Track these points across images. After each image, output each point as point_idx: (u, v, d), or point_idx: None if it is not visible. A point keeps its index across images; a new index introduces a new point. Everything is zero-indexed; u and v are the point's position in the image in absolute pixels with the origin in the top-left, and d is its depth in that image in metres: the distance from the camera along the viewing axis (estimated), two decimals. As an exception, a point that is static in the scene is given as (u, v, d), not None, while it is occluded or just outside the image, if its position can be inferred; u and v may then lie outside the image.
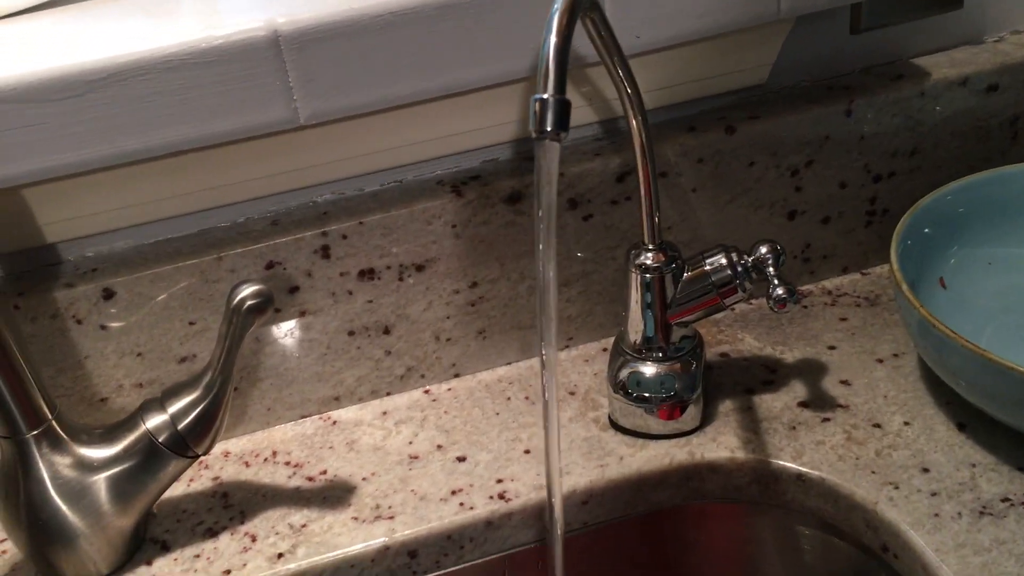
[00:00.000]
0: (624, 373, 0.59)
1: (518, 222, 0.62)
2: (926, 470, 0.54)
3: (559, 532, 0.46)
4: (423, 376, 0.66)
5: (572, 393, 0.64)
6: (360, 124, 0.58)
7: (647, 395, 0.58)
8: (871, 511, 0.53)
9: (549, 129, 0.36)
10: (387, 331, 0.63)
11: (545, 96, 0.36)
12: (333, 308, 0.61)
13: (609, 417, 0.61)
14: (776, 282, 0.54)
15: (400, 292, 0.62)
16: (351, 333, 0.63)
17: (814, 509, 0.56)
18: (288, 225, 0.60)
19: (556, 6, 0.37)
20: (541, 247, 0.37)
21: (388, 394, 0.66)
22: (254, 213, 0.61)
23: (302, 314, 0.61)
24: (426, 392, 0.66)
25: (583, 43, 0.53)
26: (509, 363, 0.67)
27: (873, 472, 0.54)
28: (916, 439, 0.56)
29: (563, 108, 0.36)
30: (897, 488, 0.53)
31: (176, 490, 0.60)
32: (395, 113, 0.58)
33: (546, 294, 0.38)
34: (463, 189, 0.60)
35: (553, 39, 0.36)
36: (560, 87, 0.36)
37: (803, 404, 0.60)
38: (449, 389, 0.66)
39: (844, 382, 0.61)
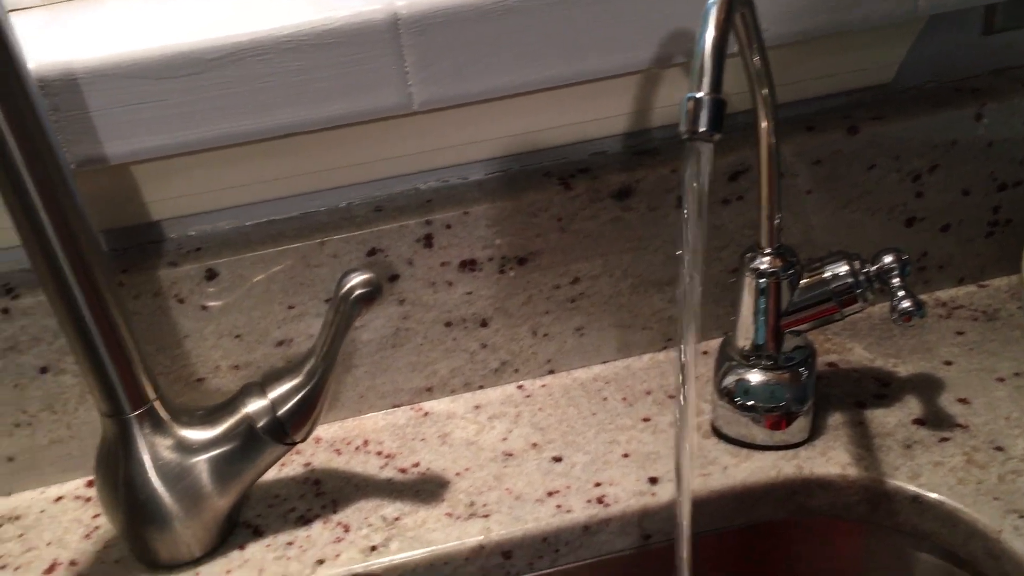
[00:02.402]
0: (730, 380, 0.57)
1: (625, 218, 0.60)
2: (1054, 499, 0.51)
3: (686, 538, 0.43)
4: (517, 371, 0.64)
5: (671, 396, 0.62)
6: (468, 111, 0.56)
7: (754, 404, 0.56)
8: (994, 540, 0.50)
9: (703, 130, 0.34)
10: (484, 324, 0.62)
11: (700, 95, 0.34)
12: (432, 298, 0.60)
13: (712, 424, 0.59)
14: (901, 294, 0.52)
15: (500, 285, 0.61)
16: (448, 324, 0.61)
17: (929, 533, 0.54)
18: (392, 212, 0.58)
19: (712, 0, 0.35)
20: (688, 253, 0.35)
21: (481, 387, 0.65)
22: (356, 198, 0.60)
23: (400, 303, 0.60)
24: (519, 387, 0.65)
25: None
26: (605, 362, 0.65)
27: (996, 498, 0.52)
28: (1042, 466, 0.53)
29: (718, 108, 0.34)
30: (1022, 517, 0.50)
31: (268, 474, 0.60)
32: (504, 102, 0.56)
33: (690, 300, 0.36)
34: (571, 182, 0.59)
35: (710, 34, 0.34)
36: (716, 85, 0.34)
37: (918, 422, 0.57)
38: (543, 385, 0.64)
39: (962, 400, 0.58)
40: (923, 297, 0.66)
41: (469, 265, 0.60)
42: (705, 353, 0.65)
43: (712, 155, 0.35)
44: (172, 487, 0.52)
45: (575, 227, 0.59)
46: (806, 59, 0.59)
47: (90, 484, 0.61)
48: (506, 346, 0.63)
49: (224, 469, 0.53)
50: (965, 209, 0.64)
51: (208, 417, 0.53)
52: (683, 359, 0.38)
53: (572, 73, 0.53)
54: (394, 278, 0.59)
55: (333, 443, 0.62)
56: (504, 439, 0.61)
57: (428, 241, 0.58)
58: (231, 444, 0.53)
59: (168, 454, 0.52)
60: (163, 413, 0.52)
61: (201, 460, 0.52)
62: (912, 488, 0.53)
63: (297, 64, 0.50)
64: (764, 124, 0.48)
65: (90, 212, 0.54)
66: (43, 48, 0.49)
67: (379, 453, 0.61)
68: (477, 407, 0.63)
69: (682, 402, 0.39)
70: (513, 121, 0.58)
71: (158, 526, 0.53)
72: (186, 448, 0.52)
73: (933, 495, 0.53)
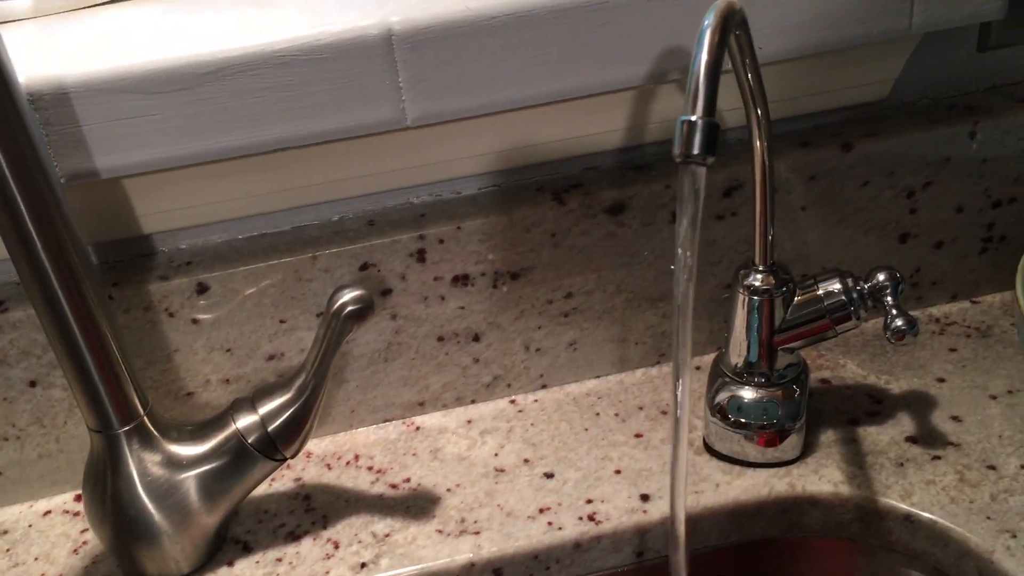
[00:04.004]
0: (723, 396, 0.57)
1: (619, 234, 0.60)
2: (1046, 520, 0.51)
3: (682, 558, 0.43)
4: (509, 386, 0.64)
5: (664, 412, 0.62)
6: (461, 126, 0.56)
7: (746, 421, 0.56)
8: (986, 560, 0.50)
9: (696, 153, 0.34)
10: (477, 338, 0.62)
11: (694, 118, 0.34)
12: (424, 312, 0.60)
13: (704, 440, 0.59)
14: (895, 312, 0.52)
15: (493, 300, 0.60)
16: (440, 339, 0.61)
17: (920, 553, 0.54)
18: (384, 226, 0.58)
19: (707, 22, 0.35)
20: (681, 276, 0.35)
21: (473, 402, 0.64)
22: (349, 212, 0.60)
23: (393, 317, 0.60)
24: (512, 402, 0.64)
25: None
26: (598, 376, 0.65)
27: (988, 518, 0.52)
28: (1035, 485, 0.53)
29: (712, 132, 0.34)
30: (1015, 537, 0.50)
31: (258, 489, 0.59)
32: (498, 117, 0.56)
33: (683, 327, 0.36)
34: (564, 197, 0.58)
35: (704, 57, 0.34)
36: (710, 108, 0.34)
37: (911, 439, 0.57)
38: (536, 400, 0.64)
39: (955, 418, 0.58)
40: (916, 313, 0.66)
41: (462, 280, 0.59)
42: (698, 368, 0.65)
43: (705, 178, 0.35)
44: (160, 503, 0.52)
45: (568, 242, 0.59)
46: (801, 75, 0.59)
47: (79, 499, 0.61)
48: (499, 361, 0.63)
49: (213, 485, 0.52)
50: (959, 226, 0.64)
51: (197, 432, 0.53)
52: (678, 395, 0.38)
53: (566, 89, 0.53)
54: (386, 292, 0.59)
55: (324, 458, 0.62)
56: (496, 454, 0.60)
57: (421, 256, 0.58)
58: (221, 460, 0.52)
59: (157, 470, 0.52)
60: (152, 428, 0.52)
61: (190, 476, 0.52)
62: (904, 507, 0.53)
63: (290, 79, 0.50)
64: (758, 144, 0.48)
65: (81, 225, 0.54)
66: (34, 62, 0.49)
67: (370, 468, 0.60)
68: (469, 422, 0.63)
69: (675, 436, 0.39)
70: (506, 136, 0.58)
71: (146, 542, 0.52)
72: (175, 464, 0.52)
73: (925, 514, 0.53)
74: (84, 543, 0.58)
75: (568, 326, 0.63)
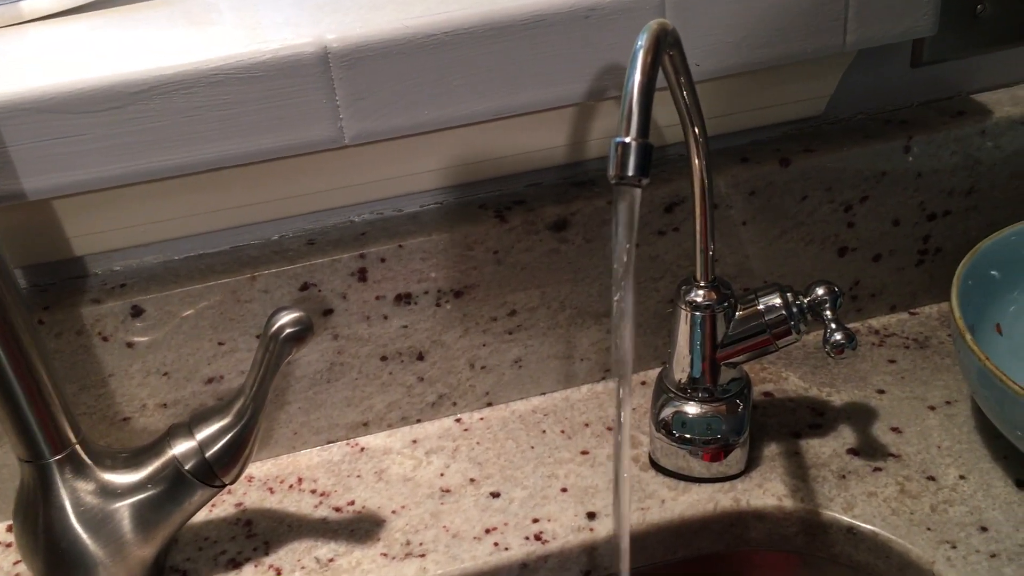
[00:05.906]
0: (667, 412, 0.57)
1: (562, 250, 0.60)
2: (984, 529, 0.52)
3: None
4: (455, 404, 0.64)
5: (610, 428, 0.62)
6: (402, 144, 0.56)
7: (691, 436, 0.56)
8: (927, 571, 0.51)
9: (630, 175, 0.34)
10: (421, 357, 0.61)
11: (627, 140, 0.34)
12: (367, 332, 0.59)
13: (650, 456, 0.59)
14: (834, 326, 0.52)
15: (436, 318, 0.60)
16: (383, 358, 0.60)
17: (864, 564, 0.54)
18: (324, 245, 0.57)
19: (640, 43, 0.35)
20: (618, 297, 0.35)
21: (418, 421, 0.64)
22: (289, 231, 0.59)
23: (335, 337, 0.59)
24: (457, 421, 0.64)
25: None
26: (544, 393, 0.65)
27: (928, 529, 0.52)
28: (973, 495, 0.54)
29: (646, 153, 0.34)
30: (954, 548, 0.51)
31: (198, 516, 0.58)
32: (439, 134, 0.56)
33: (623, 343, 0.36)
34: (507, 214, 0.58)
35: (637, 78, 0.34)
36: (643, 130, 0.34)
37: (852, 451, 0.58)
38: (481, 419, 0.64)
39: (895, 429, 0.59)
40: (856, 325, 0.67)
41: (404, 298, 0.59)
42: (643, 383, 0.65)
43: (640, 198, 0.35)
44: (95, 533, 0.50)
45: (511, 259, 0.59)
46: (739, 92, 0.59)
47: (11, 529, 0.59)
48: (443, 379, 0.62)
49: (149, 514, 0.51)
50: (896, 239, 0.65)
51: (133, 460, 0.51)
52: (620, 414, 0.38)
53: (505, 106, 0.53)
54: (328, 312, 0.58)
55: (266, 481, 0.60)
56: (441, 475, 0.60)
57: (362, 275, 0.57)
58: (157, 488, 0.51)
59: (90, 499, 0.50)
60: (85, 457, 0.50)
61: (125, 505, 0.51)
62: (847, 519, 0.54)
63: (225, 97, 0.49)
64: (697, 162, 0.48)
65: (10, 247, 0.53)
66: (-43, 81, 0.48)
67: (313, 491, 0.59)
68: (414, 442, 0.62)
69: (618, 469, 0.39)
70: (447, 153, 0.58)
71: (81, 574, 0.51)
72: (109, 492, 0.50)
73: (867, 526, 0.53)
74: (17, 575, 0.56)
75: (513, 343, 0.62)
